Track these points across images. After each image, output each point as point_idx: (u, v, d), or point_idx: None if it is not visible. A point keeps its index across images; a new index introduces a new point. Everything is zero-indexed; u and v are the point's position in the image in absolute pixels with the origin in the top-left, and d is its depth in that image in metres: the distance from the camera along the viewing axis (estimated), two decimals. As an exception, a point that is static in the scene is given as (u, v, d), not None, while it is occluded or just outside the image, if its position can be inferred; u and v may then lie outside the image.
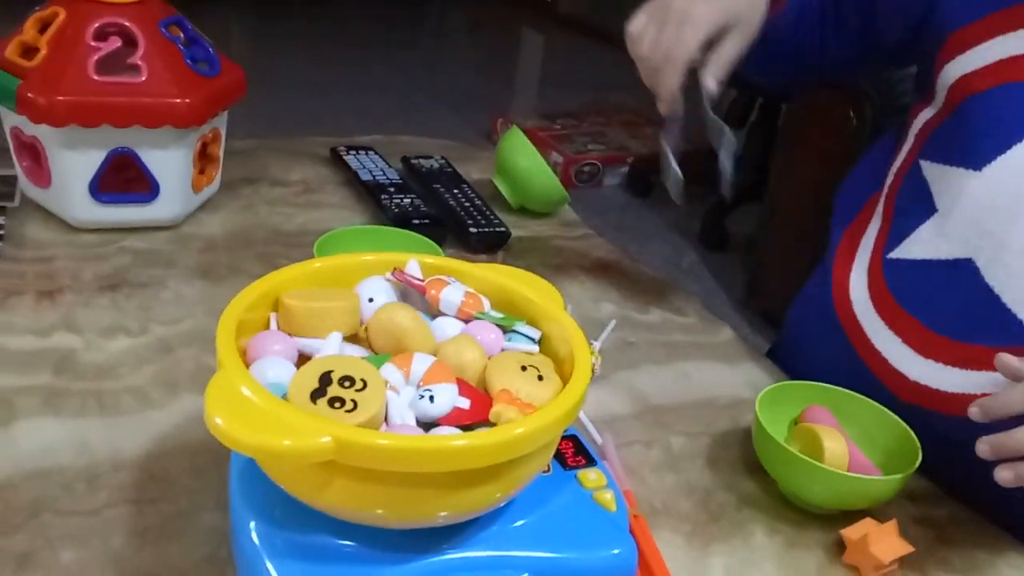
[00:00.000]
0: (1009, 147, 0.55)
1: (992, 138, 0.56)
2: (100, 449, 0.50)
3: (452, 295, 0.45)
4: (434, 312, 0.46)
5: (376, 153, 0.94)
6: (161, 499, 0.47)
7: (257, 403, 0.35)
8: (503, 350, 0.44)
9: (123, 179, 0.72)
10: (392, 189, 0.84)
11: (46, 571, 0.42)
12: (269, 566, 0.39)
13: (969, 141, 0.58)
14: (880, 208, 0.66)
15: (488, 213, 0.82)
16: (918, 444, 0.52)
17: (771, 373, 0.68)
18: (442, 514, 0.39)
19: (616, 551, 0.43)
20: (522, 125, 2.31)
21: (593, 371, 0.61)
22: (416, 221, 0.78)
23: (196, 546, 0.45)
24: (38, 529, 0.44)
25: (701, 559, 0.49)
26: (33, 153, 0.71)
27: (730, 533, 0.51)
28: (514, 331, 0.45)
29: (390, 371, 0.40)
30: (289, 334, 0.42)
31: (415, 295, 0.47)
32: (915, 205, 0.61)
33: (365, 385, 0.38)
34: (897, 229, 0.62)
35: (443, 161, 0.93)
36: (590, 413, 0.58)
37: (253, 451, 0.34)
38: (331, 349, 0.41)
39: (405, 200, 0.82)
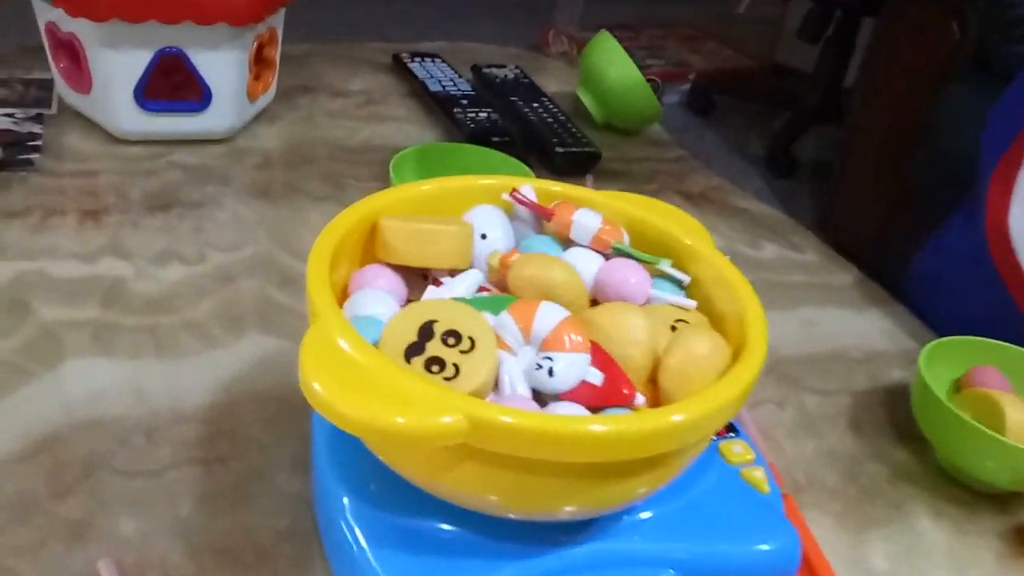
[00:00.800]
0: None
1: None
2: (158, 396, 0.43)
3: (587, 220, 0.37)
4: (561, 242, 0.38)
5: (443, 61, 0.84)
6: (231, 457, 0.41)
7: (368, 365, 0.28)
8: (649, 301, 0.36)
9: (171, 84, 0.64)
10: (465, 102, 0.75)
11: (103, 541, 0.36)
12: (370, 557, 0.32)
13: None
14: None
15: (574, 130, 0.73)
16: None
17: (907, 322, 0.60)
18: (570, 508, 0.31)
19: (774, 544, 0.36)
20: (578, 36, 2.16)
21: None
22: (496, 138, 0.69)
23: (275, 514, 0.38)
24: (93, 491, 0.38)
25: (857, 546, 0.42)
26: (71, 53, 0.63)
27: (888, 515, 0.44)
28: (662, 275, 0.37)
29: (506, 324, 0.32)
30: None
31: (527, 225, 0.39)
32: None
33: (473, 345, 0.30)
34: None
35: (518, 71, 0.84)
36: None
37: (364, 430, 0.27)
38: (463, 288, 0.34)
39: (481, 114, 0.73)
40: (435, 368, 0.29)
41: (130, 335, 0.47)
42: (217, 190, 0.61)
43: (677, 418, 0.28)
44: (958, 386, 0.48)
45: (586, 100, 0.78)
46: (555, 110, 0.76)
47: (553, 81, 0.86)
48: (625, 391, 0.31)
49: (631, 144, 0.78)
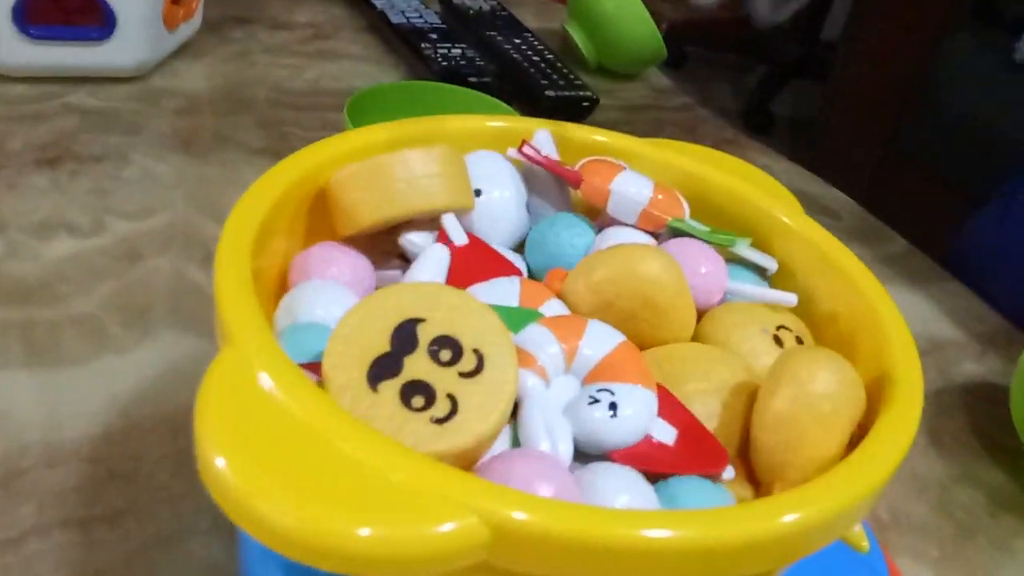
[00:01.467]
0: None
1: None
2: (24, 423, 0.31)
3: (633, 187, 0.25)
4: (594, 218, 0.27)
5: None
6: (126, 513, 0.29)
7: (310, 422, 0.16)
8: (725, 298, 0.25)
9: (64, 7, 0.51)
10: (434, 36, 0.63)
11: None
12: None
13: None
14: None
15: (565, 71, 0.62)
16: None
17: (968, 303, 0.50)
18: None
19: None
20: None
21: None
22: (473, 79, 0.57)
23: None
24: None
25: (972, 609, 0.32)
26: (-68, -37, 0.49)
27: (998, 561, 0.34)
28: (739, 260, 0.26)
29: (538, 338, 0.21)
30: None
31: (551, 189, 0.27)
32: None
33: (480, 364, 0.19)
34: None
35: (495, 3, 0.72)
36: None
37: (303, 550, 0.15)
38: (432, 263, 0.23)
39: (454, 51, 0.61)
40: (417, 401, 0.18)
41: (-8, 335, 0.35)
42: (123, 141, 0.49)
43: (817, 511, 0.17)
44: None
45: (576, 36, 0.66)
46: (541, 48, 0.64)
47: (534, 15, 0.74)
48: (715, 456, 0.20)
49: (631, 89, 0.67)
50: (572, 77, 0.61)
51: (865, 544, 0.28)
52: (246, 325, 0.18)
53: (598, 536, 0.15)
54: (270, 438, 0.16)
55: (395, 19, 0.65)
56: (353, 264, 0.23)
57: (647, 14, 0.63)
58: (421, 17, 0.66)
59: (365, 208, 0.23)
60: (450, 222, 0.24)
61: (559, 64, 0.62)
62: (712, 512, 0.17)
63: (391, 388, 0.18)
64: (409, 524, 0.15)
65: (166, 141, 0.49)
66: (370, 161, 0.23)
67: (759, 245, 0.26)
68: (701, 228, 0.26)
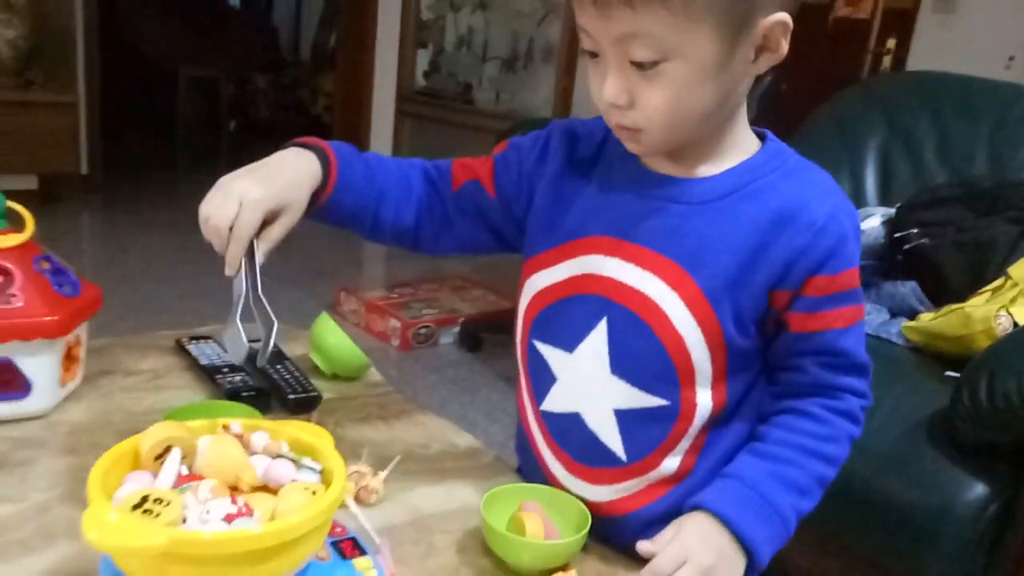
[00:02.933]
0: (586, 337, 0.78)
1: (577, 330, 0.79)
2: (-3, 586, 0.67)
3: (259, 439, 0.67)
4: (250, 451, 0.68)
5: (216, 341, 1.15)
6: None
7: (113, 520, 0.56)
8: (293, 479, 0.66)
9: (1, 383, 0.91)
10: (226, 369, 1.06)
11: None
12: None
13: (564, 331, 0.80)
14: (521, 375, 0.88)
15: (304, 381, 1.05)
16: (589, 514, 0.77)
17: (512, 481, 0.92)
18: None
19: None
20: (364, 296, 2.57)
21: (379, 493, 0.84)
22: (245, 394, 0.99)
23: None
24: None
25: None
26: (-75, 367, 0.89)
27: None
28: (302, 464, 0.67)
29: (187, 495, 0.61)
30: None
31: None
32: (542, 372, 0.83)
33: (168, 503, 0.59)
34: (536, 385, 0.85)
35: (276, 347, 1.16)
36: (375, 522, 0.79)
37: (113, 551, 0.54)
38: (168, 475, 0.62)
39: (237, 378, 1.04)
40: (149, 512, 0.58)
41: (-25, 552, 0.71)
42: (36, 452, 0.87)
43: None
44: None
45: (316, 359, 1.10)
46: (293, 368, 1.08)
47: (299, 346, 1.18)
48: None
49: (353, 386, 1.11)
50: (308, 384, 1.04)
51: (374, 574, 0.68)
52: (97, 495, 0.58)
53: (190, 539, 0.55)
54: (101, 525, 0.55)
55: (203, 362, 1.08)
56: (141, 477, 0.63)
57: (353, 344, 1.08)
58: (219, 358, 1.09)
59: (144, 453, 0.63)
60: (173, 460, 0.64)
61: (302, 377, 1.06)
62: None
63: (139, 511, 0.57)
64: (148, 539, 0.54)
65: (61, 451, 0.88)
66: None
67: (316, 457, 0.68)
68: (289, 453, 0.67)
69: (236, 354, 0.78)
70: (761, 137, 0.77)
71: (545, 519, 0.77)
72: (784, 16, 0.68)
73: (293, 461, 0.67)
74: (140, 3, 6.69)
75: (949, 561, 1.17)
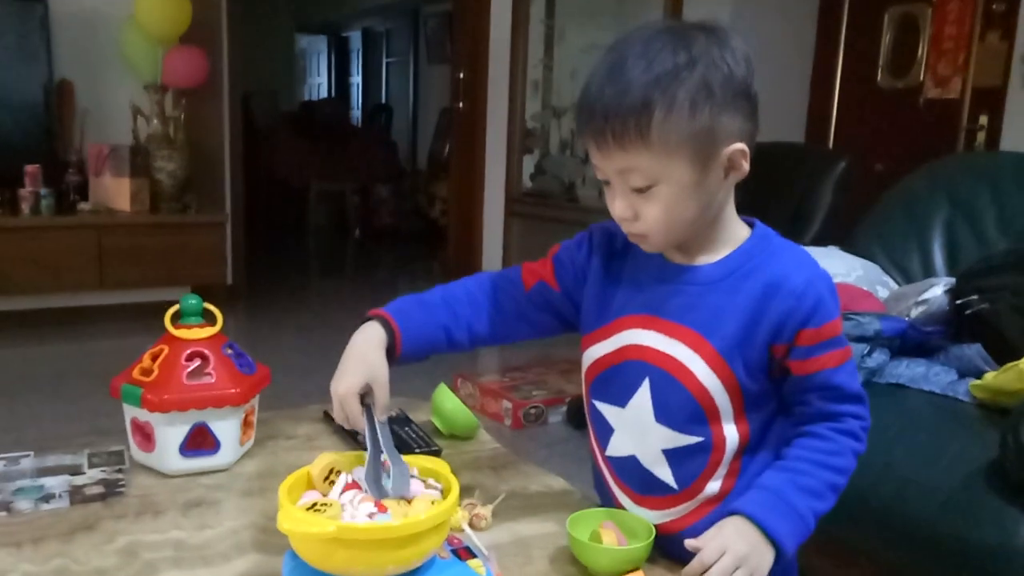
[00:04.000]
0: (633, 394, 0.99)
1: (627, 389, 0.99)
2: (209, 580, 0.92)
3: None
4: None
5: (354, 411, 1.41)
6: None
7: (298, 514, 0.80)
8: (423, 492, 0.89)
9: (198, 441, 1.18)
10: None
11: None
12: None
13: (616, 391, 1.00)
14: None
15: (427, 439, 1.29)
16: (653, 529, 0.96)
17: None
18: (391, 567, 0.82)
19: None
20: (478, 381, 2.83)
21: (487, 520, 1.05)
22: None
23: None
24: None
25: (537, 603, 0.91)
26: (144, 432, 1.18)
27: (556, 591, 0.93)
28: (429, 484, 0.90)
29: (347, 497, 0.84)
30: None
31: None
32: (603, 425, 1.03)
33: (330, 505, 0.82)
34: (600, 435, 1.06)
35: (399, 411, 1.41)
36: (486, 540, 1.00)
37: (295, 535, 0.78)
38: (338, 487, 0.86)
39: (373, 437, 1.28)
40: (320, 510, 0.81)
41: (195, 554, 0.96)
42: (224, 495, 1.13)
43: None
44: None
45: (436, 421, 1.34)
46: (418, 429, 1.32)
47: (423, 412, 1.42)
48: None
49: (467, 444, 1.34)
50: (431, 443, 1.27)
51: (483, 571, 0.89)
52: (285, 502, 0.82)
53: (352, 528, 0.78)
54: (291, 519, 0.79)
55: (346, 426, 1.33)
56: (313, 493, 0.87)
57: (467, 409, 1.32)
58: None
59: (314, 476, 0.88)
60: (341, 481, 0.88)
61: (426, 436, 1.29)
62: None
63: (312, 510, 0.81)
64: (321, 527, 0.78)
65: (241, 493, 1.14)
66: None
67: (439, 479, 0.91)
68: (419, 477, 0.90)
69: (375, 493, 0.90)
70: (751, 224, 0.98)
71: (618, 532, 0.97)
72: (741, 145, 0.89)
73: (422, 480, 0.90)
74: (275, 131, 7.41)
75: (1011, 595, 1.27)
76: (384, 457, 0.93)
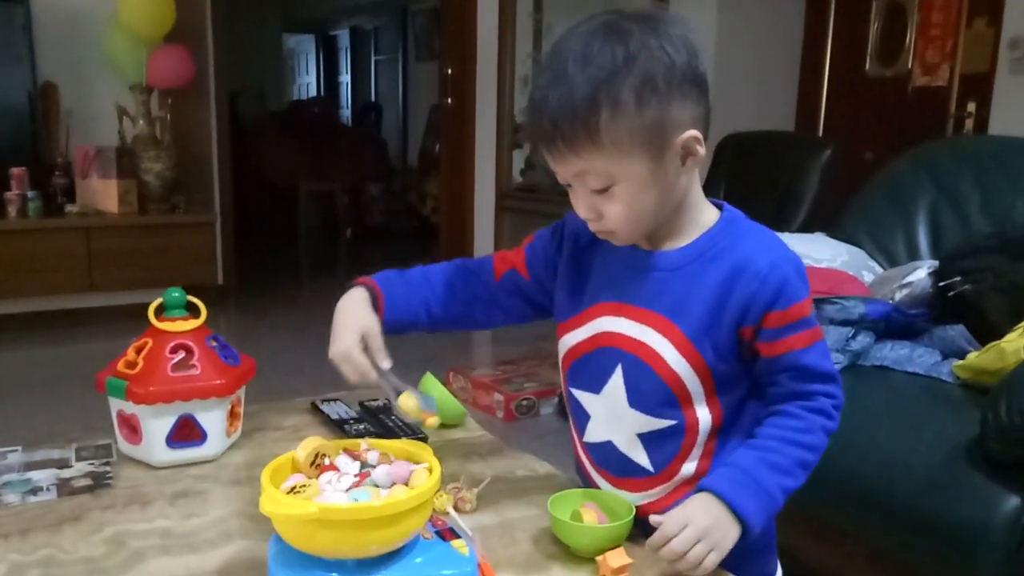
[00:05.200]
0: (607, 381, 1.00)
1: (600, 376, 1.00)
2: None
3: (372, 455, 0.91)
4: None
5: (342, 402, 1.42)
6: (231, 586, 0.90)
7: (280, 497, 0.81)
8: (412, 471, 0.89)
9: (185, 433, 1.19)
10: (352, 421, 1.32)
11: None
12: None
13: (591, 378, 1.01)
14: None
15: (415, 428, 1.29)
16: (633, 507, 0.97)
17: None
18: (374, 547, 0.82)
19: (465, 569, 0.87)
20: (471, 375, 2.84)
21: (472, 503, 1.06)
22: (367, 438, 1.24)
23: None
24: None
25: (521, 582, 0.92)
26: (131, 424, 1.18)
27: (542, 573, 0.94)
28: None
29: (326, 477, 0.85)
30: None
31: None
32: (579, 411, 1.05)
33: (309, 486, 0.83)
34: (578, 422, 1.08)
35: (386, 400, 1.41)
36: (471, 523, 1.01)
37: (277, 517, 0.79)
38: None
39: (361, 427, 1.29)
40: (298, 492, 0.82)
41: (187, 539, 0.97)
42: (211, 485, 1.14)
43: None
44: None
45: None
46: (406, 417, 1.33)
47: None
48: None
49: (453, 432, 1.34)
50: (417, 430, 1.28)
51: (467, 552, 0.90)
52: (268, 485, 0.83)
53: (332, 508, 0.79)
54: (273, 502, 0.80)
55: (333, 417, 1.34)
56: (298, 477, 0.88)
57: (453, 398, 1.32)
58: (347, 414, 1.35)
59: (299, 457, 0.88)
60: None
61: (411, 423, 1.30)
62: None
63: (292, 493, 0.82)
64: (303, 508, 0.79)
65: (228, 483, 1.15)
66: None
67: (422, 459, 0.91)
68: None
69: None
70: (720, 208, 0.99)
71: (599, 512, 0.98)
72: (693, 132, 0.89)
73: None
74: (264, 130, 7.40)
75: (992, 570, 1.28)
76: (407, 391, 1.04)
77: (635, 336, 0.96)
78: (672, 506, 0.98)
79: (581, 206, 0.93)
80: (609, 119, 0.85)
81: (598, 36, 0.86)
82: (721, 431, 0.98)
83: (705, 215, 0.98)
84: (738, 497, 0.91)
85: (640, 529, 0.98)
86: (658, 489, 1.01)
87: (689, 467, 0.99)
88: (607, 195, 0.90)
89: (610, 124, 0.85)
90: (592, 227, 0.96)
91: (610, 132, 0.85)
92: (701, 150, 0.91)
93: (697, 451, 0.98)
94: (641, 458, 1.00)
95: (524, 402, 2.80)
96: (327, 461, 0.91)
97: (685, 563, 0.88)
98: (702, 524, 0.89)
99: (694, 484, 0.98)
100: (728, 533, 0.90)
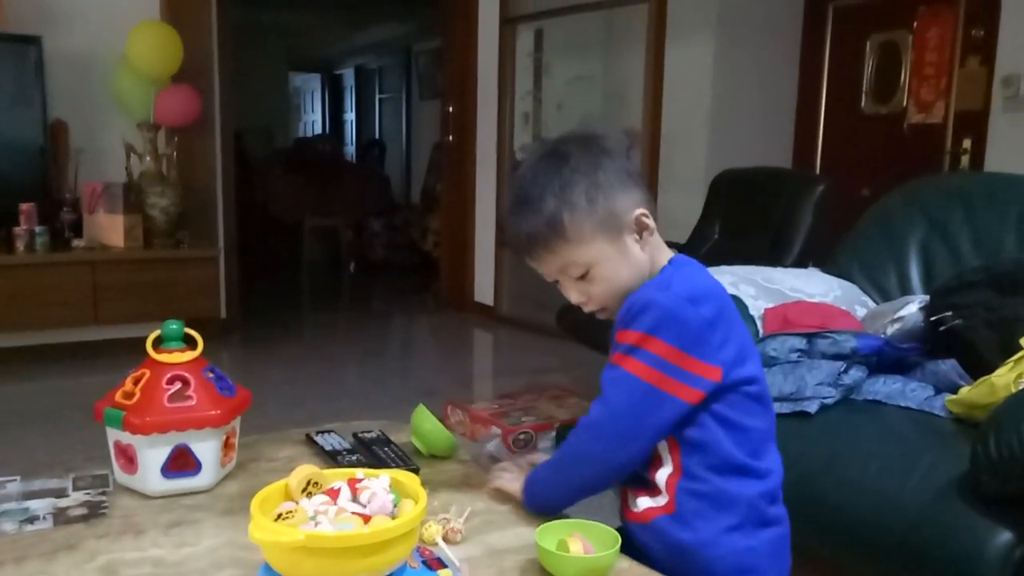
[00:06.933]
0: None
1: None
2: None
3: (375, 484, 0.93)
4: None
5: (336, 433, 1.43)
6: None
7: (268, 524, 0.82)
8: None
9: (180, 463, 1.20)
10: (345, 453, 1.33)
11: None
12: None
13: None
14: None
15: (406, 458, 1.31)
16: (619, 538, 0.98)
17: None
18: (361, 574, 0.84)
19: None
20: (468, 407, 2.83)
21: (462, 534, 1.07)
22: (359, 468, 1.25)
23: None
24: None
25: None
26: (127, 455, 1.20)
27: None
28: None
29: (315, 502, 0.87)
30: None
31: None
32: None
33: (295, 513, 0.85)
34: None
35: (379, 432, 1.43)
36: (459, 553, 1.02)
37: (265, 544, 0.80)
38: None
39: (354, 458, 1.31)
40: (286, 519, 0.84)
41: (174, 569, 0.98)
42: (204, 515, 1.15)
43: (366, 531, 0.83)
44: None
45: (416, 442, 1.36)
46: (397, 449, 1.34)
47: (404, 435, 1.44)
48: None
49: (445, 463, 1.36)
50: (409, 461, 1.30)
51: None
52: (258, 515, 0.84)
53: (318, 536, 0.81)
54: (262, 530, 0.82)
55: (327, 448, 1.35)
56: (289, 504, 0.89)
57: (444, 429, 1.34)
58: (341, 445, 1.36)
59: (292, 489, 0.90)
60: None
61: (405, 456, 1.31)
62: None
63: (281, 520, 0.83)
64: (291, 536, 0.80)
65: (222, 513, 1.16)
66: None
67: (414, 495, 0.93)
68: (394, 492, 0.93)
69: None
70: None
71: (585, 543, 0.99)
72: (640, 210, 1.08)
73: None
74: (269, 167, 7.48)
75: (984, 604, 1.29)
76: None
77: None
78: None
79: (572, 294, 1.13)
80: (570, 219, 1.06)
81: (545, 162, 1.09)
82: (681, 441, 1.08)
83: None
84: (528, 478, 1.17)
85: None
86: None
87: (663, 474, 1.09)
88: (588, 279, 1.10)
89: (572, 222, 1.06)
90: (588, 310, 1.14)
91: (573, 228, 1.07)
92: (651, 223, 1.10)
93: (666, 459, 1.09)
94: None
95: (522, 436, 2.80)
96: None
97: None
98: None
99: (675, 492, 1.07)
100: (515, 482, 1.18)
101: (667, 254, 1.13)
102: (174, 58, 3.96)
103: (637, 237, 1.09)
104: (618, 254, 1.08)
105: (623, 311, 1.06)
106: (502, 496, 1.21)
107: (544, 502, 1.15)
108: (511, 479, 1.19)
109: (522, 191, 1.09)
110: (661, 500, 1.08)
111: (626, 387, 1.04)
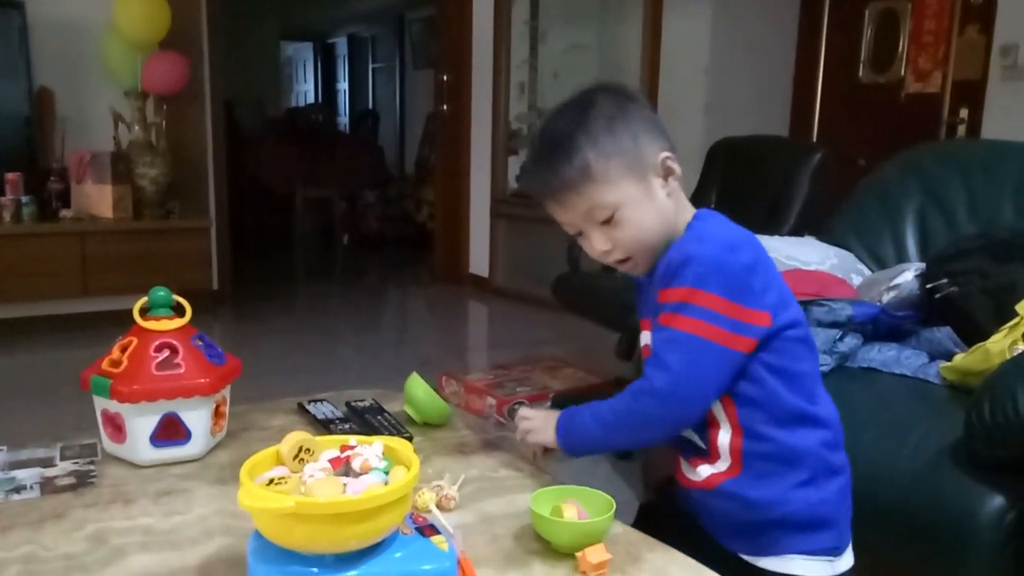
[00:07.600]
0: None
1: None
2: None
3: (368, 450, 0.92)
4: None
5: (328, 402, 1.42)
6: (210, 581, 0.90)
7: (257, 491, 0.81)
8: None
9: (169, 432, 1.19)
10: (338, 421, 1.32)
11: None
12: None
13: None
14: None
15: (399, 427, 1.30)
16: (613, 503, 0.97)
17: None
18: (352, 541, 0.82)
19: (444, 565, 0.87)
20: (462, 378, 2.84)
21: (456, 501, 1.06)
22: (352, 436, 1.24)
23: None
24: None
25: (500, 578, 0.92)
26: (115, 423, 1.18)
27: (522, 568, 0.94)
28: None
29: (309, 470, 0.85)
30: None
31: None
32: None
33: (287, 479, 0.83)
34: None
35: (372, 401, 1.42)
36: (452, 520, 1.01)
37: (255, 511, 0.79)
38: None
39: (345, 426, 1.29)
40: (277, 485, 0.82)
41: (167, 537, 0.97)
42: (195, 484, 1.14)
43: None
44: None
45: (409, 410, 1.35)
46: (391, 417, 1.33)
47: (397, 403, 1.43)
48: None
49: (437, 431, 1.34)
50: (402, 430, 1.28)
51: (446, 547, 0.90)
52: (247, 480, 0.83)
53: (308, 502, 0.79)
54: (251, 496, 0.80)
55: (319, 416, 1.34)
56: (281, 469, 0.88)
57: (437, 396, 1.33)
58: (333, 414, 1.35)
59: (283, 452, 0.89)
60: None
61: (398, 424, 1.30)
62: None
63: (272, 485, 0.82)
64: (281, 502, 0.79)
65: (212, 482, 1.15)
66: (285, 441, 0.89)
67: (405, 460, 0.91)
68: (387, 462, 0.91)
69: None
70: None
71: (579, 508, 0.98)
72: (665, 152, 1.07)
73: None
74: (261, 138, 7.41)
75: (979, 568, 1.29)
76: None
77: (645, 343, 1.13)
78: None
79: (596, 242, 1.08)
80: (596, 160, 1.04)
81: (569, 103, 1.09)
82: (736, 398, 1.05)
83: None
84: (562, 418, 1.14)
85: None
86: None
87: (724, 438, 1.07)
88: (614, 223, 1.06)
89: (596, 157, 1.04)
90: (611, 260, 1.10)
91: (600, 168, 1.04)
92: (676, 168, 1.08)
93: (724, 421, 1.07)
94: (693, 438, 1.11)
95: (516, 406, 2.80)
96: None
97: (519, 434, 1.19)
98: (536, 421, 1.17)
99: (741, 455, 1.06)
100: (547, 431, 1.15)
101: (690, 209, 1.11)
102: (162, 23, 3.90)
103: (663, 181, 1.07)
104: (645, 197, 1.05)
105: (662, 270, 1.04)
106: (504, 465, 1.21)
107: (581, 448, 1.15)
108: (540, 431, 1.16)
109: (548, 135, 1.08)
110: (722, 465, 1.07)
111: (683, 347, 1.01)
